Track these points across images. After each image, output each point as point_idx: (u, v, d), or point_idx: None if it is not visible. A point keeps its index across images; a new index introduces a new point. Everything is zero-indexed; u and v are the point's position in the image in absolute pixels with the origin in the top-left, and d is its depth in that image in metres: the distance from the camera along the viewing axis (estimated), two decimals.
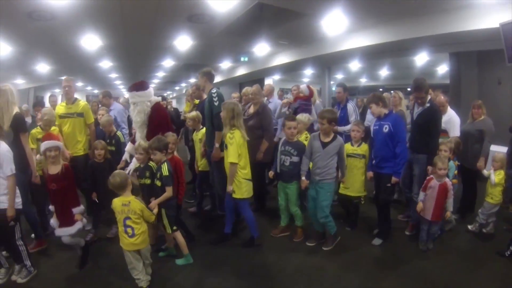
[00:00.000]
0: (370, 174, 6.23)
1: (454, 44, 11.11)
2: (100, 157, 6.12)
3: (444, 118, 6.90)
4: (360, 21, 10.79)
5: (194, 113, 7.45)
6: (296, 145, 6.08)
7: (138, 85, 6.38)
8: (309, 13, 9.88)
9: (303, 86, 8.66)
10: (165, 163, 5.07)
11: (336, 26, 10.86)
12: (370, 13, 9.98)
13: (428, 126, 6.11)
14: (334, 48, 13.44)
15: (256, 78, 21.76)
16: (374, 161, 6.10)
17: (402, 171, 5.92)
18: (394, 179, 5.78)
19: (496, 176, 6.33)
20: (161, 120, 6.38)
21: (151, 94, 6.50)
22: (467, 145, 7.07)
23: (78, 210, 5.07)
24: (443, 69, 20.67)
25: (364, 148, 6.44)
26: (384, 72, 24.23)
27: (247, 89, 7.92)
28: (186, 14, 9.99)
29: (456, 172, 6.42)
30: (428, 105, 6.17)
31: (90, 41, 12.68)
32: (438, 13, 9.36)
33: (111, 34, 12.08)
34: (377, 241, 6.15)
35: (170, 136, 5.79)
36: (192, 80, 27.57)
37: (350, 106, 8.12)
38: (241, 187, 5.63)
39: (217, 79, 26.92)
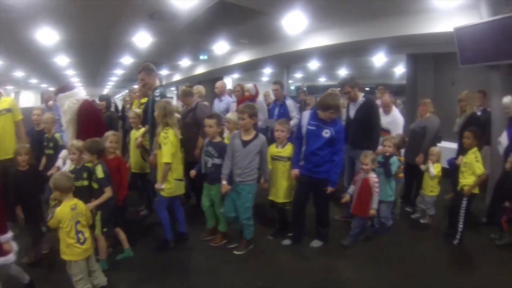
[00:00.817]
0: (296, 172, 5.61)
1: (411, 46, 11.33)
2: (24, 164, 5.10)
3: (388, 119, 7.07)
4: (319, 21, 10.84)
5: (138, 110, 7.18)
6: (217, 146, 5.60)
7: (64, 87, 6.05)
8: (269, 12, 9.86)
9: (249, 85, 8.56)
10: (99, 165, 4.81)
11: (295, 26, 10.81)
12: (330, 14, 10.05)
13: (368, 120, 6.14)
14: (293, 47, 13.55)
15: (216, 76, 21.63)
16: (302, 163, 5.58)
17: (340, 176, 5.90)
18: (330, 189, 5.38)
19: (435, 169, 6.53)
20: (89, 119, 5.97)
21: (78, 94, 6.10)
22: (413, 142, 7.19)
23: (5, 238, 3.80)
24: (400, 70, 21.09)
25: (288, 149, 5.83)
26: (343, 71, 24.47)
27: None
28: (148, 11, 9.83)
29: (402, 167, 6.49)
30: (363, 99, 6.26)
31: (46, 35, 12.17)
32: (396, 16, 9.52)
33: (68, 28, 11.66)
34: (316, 243, 5.84)
35: (111, 135, 5.46)
36: None
37: (290, 102, 8.14)
38: (171, 187, 5.39)
39: (176, 77, 26.79)
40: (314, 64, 19.86)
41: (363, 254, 5.58)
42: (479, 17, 8.01)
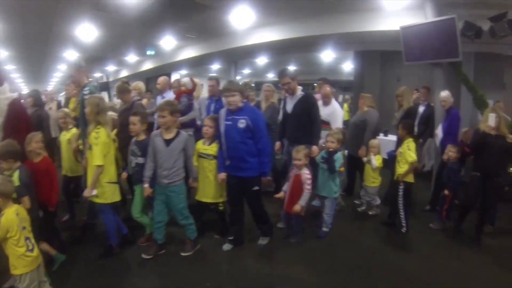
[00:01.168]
0: (222, 176, 5.21)
1: (359, 43, 11.49)
2: None
3: (327, 110, 6.94)
4: (267, 16, 10.77)
5: (67, 109, 6.72)
6: (141, 144, 5.18)
7: None
8: (216, 6, 9.72)
9: (185, 79, 8.16)
10: (17, 171, 4.25)
11: (243, 21, 10.66)
12: (278, 9, 10.00)
13: (307, 114, 5.98)
14: (241, 42, 13.42)
15: (164, 72, 21.10)
16: (228, 162, 5.15)
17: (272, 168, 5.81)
18: (265, 179, 5.16)
19: (376, 161, 6.66)
20: (15, 119, 5.48)
21: (6, 91, 5.61)
22: (354, 135, 7.26)
23: None
24: (348, 66, 21.32)
25: (215, 147, 5.40)
26: (291, 67, 24.52)
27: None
28: (92, 1, 9.42)
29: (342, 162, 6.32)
30: (301, 93, 6.13)
31: None
32: (345, 13, 9.61)
33: (7, 18, 11.04)
34: (263, 240, 5.59)
35: (34, 136, 4.80)
36: (98, 74, 26.40)
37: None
38: (105, 191, 4.87)
39: (123, 73, 26.14)
40: (262, 60, 19.78)
41: (311, 250, 5.49)
42: (424, 17, 8.29)
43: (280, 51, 14.58)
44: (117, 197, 5.04)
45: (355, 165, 7.40)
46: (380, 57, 13.17)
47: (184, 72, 24.50)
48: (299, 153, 5.38)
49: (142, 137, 5.24)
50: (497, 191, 5.93)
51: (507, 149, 5.58)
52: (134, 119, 5.16)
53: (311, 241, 5.76)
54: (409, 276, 4.78)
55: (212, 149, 5.43)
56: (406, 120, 6.59)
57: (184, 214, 5.11)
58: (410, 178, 6.00)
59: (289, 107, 6.15)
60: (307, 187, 5.33)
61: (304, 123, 5.97)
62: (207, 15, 10.57)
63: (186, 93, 7.73)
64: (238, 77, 19.57)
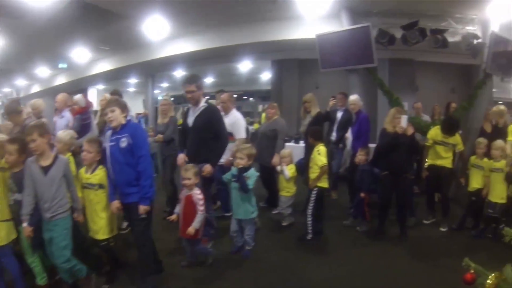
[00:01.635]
0: (115, 204, 4.34)
1: (276, 52, 11.58)
2: None
3: (229, 120, 6.43)
4: (182, 26, 10.56)
5: None
6: (17, 176, 4.20)
7: None
8: (129, 15, 9.40)
9: (77, 96, 7.31)
10: None
11: (157, 31, 10.35)
12: (193, 19, 9.82)
13: (209, 129, 5.26)
14: (156, 54, 13.13)
15: (79, 87, 19.95)
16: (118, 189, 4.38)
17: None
18: (142, 207, 4.13)
19: (289, 171, 6.46)
20: None
21: None
22: (263, 145, 7.09)
23: None
24: (267, 76, 21.43)
25: (99, 174, 4.49)
26: (209, 79, 24.34)
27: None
28: None
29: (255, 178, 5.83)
30: (205, 105, 5.37)
31: None
32: (262, 22, 9.61)
33: None
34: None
35: None
36: (7, 89, 24.86)
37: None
38: None
39: (35, 88, 24.62)
40: (179, 73, 19.40)
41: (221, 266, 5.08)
42: (340, 25, 8.50)
43: (197, 62, 14.39)
44: (13, 235, 4.19)
45: (269, 176, 7.18)
46: (298, 65, 13.31)
47: (101, 87, 23.59)
48: (188, 172, 4.77)
49: (18, 168, 4.21)
50: (409, 186, 6.35)
51: (412, 147, 5.95)
52: (11, 148, 4.12)
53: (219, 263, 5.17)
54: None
55: (96, 177, 4.51)
56: (312, 128, 6.60)
57: (66, 255, 4.10)
58: (324, 183, 5.96)
59: (190, 120, 5.43)
60: (200, 208, 4.70)
61: (205, 138, 5.32)
62: (121, 25, 10.19)
63: (80, 112, 6.97)
64: (156, 91, 19.05)
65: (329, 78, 11.64)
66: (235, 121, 6.64)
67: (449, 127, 6.60)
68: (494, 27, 8.78)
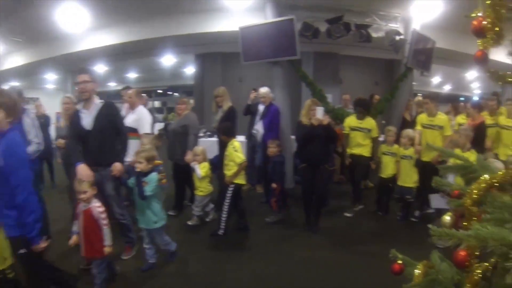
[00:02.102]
0: None
1: (200, 45, 11.37)
2: None
3: (133, 116, 6.17)
4: (102, 17, 9.99)
5: None
6: None
7: None
8: (43, 3, 8.74)
9: None
10: None
11: (75, 22, 9.76)
12: (113, 10, 9.35)
13: (113, 126, 4.78)
14: (74, 47, 12.30)
15: None
16: None
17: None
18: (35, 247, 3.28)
19: (202, 169, 6.24)
20: None
21: None
22: (175, 142, 6.85)
23: None
24: (191, 70, 21.06)
25: None
26: (132, 75, 23.64)
27: None
28: None
29: (163, 174, 5.57)
30: (100, 102, 4.82)
31: None
32: (184, 14, 9.34)
33: None
34: None
35: None
36: None
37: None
38: None
39: None
40: (101, 68, 18.54)
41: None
42: (265, 18, 8.38)
43: (119, 56, 13.82)
44: None
45: (183, 175, 6.86)
46: (221, 59, 13.15)
47: (16, 84, 21.93)
48: (83, 185, 4.00)
49: None
50: (327, 178, 6.54)
51: (329, 138, 6.02)
52: None
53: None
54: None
55: None
56: (223, 124, 6.40)
57: None
58: (241, 180, 5.87)
59: (87, 122, 4.71)
60: (103, 222, 4.03)
61: (109, 138, 4.79)
62: (35, 13, 9.45)
63: None
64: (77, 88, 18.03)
65: (252, 71, 11.67)
66: (140, 116, 6.23)
67: (359, 104, 7.14)
68: (416, 26, 9.39)
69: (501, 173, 1.81)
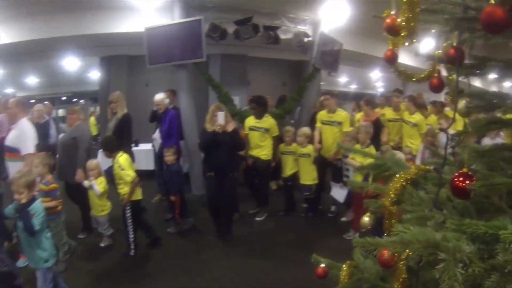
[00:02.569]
0: None
1: (105, 47, 10.83)
2: None
3: (15, 132, 5.34)
4: None
5: None
6: None
7: None
8: None
9: None
10: None
11: None
12: (6, 4, 8.48)
13: None
14: None
15: None
16: None
17: None
18: None
19: (99, 185, 5.66)
20: None
21: None
22: (65, 158, 6.11)
23: None
24: (96, 74, 20.17)
25: None
26: (32, 79, 22.11)
27: None
28: None
29: (59, 201, 4.88)
30: None
31: None
32: (86, 11, 8.75)
33: None
34: None
35: None
36: None
37: None
38: None
39: None
40: None
41: None
42: (172, 18, 8.19)
43: (14, 57, 12.74)
44: None
45: (75, 195, 6.18)
46: (128, 62, 12.58)
47: None
48: None
49: None
50: (234, 186, 6.22)
51: (235, 145, 5.84)
52: None
53: None
54: None
55: None
56: (104, 137, 5.92)
57: None
58: (138, 195, 5.42)
59: None
60: None
61: None
62: None
63: None
64: None
65: (159, 75, 11.38)
66: (20, 133, 5.30)
67: (253, 100, 7.19)
68: (324, 28, 9.73)
69: (413, 168, 1.88)
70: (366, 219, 1.87)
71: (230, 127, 5.67)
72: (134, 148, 8.22)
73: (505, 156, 1.66)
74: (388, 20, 1.54)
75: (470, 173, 1.39)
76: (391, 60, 1.80)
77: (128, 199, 5.27)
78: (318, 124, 7.05)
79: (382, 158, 2.16)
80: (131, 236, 5.37)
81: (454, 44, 1.62)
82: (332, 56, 10.26)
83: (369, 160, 5.42)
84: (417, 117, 7.44)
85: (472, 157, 1.58)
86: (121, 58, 12.39)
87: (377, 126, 7.02)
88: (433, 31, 1.70)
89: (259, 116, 6.96)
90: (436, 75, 1.92)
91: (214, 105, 6.11)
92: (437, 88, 1.82)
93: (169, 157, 6.27)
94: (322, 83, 11.44)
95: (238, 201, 6.92)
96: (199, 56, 7.92)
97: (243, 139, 6.43)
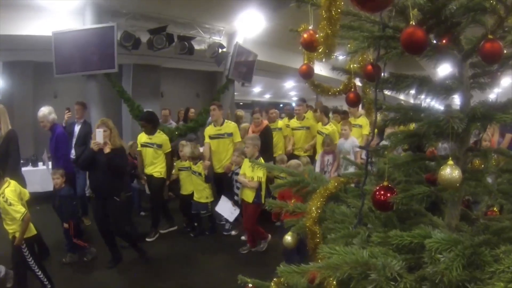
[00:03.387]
0: None
1: (7, 51, 9.95)
2: None
3: None
4: None
5: None
6: None
7: None
8: None
9: None
10: None
11: None
12: None
13: None
14: None
15: None
16: None
17: None
18: None
19: None
20: None
21: None
22: None
23: None
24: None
25: None
26: None
27: None
28: None
29: None
30: None
31: None
32: None
33: None
34: None
35: None
36: None
37: None
38: None
39: None
40: None
41: None
42: (83, 23, 7.84)
43: None
44: None
45: None
46: (34, 69, 11.71)
47: None
48: None
49: None
50: (119, 210, 5.46)
51: (110, 166, 5.16)
52: None
53: None
54: None
55: None
56: None
57: None
58: (31, 231, 4.64)
59: None
60: None
61: None
62: None
63: None
64: None
65: (69, 86, 10.74)
66: None
67: (142, 117, 6.66)
68: (239, 39, 9.88)
69: (333, 182, 1.88)
70: (288, 238, 1.85)
71: (108, 149, 5.10)
72: (28, 169, 7.74)
73: (421, 165, 1.72)
74: (305, 35, 1.55)
75: (390, 185, 1.43)
76: (306, 75, 1.85)
77: (21, 239, 4.49)
78: (207, 140, 6.84)
79: (300, 174, 2.13)
80: (39, 273, 4.66)
81: (371, 61, 1.67)
82: (246, 67, 10.39)
83: (259, 173, 5.61)
84: (329, 128, 7.54)
85: (391, 168, 1.62)
86: (26, 64, 11.47)
87: (267, 135, 7.14)
88: (349, 46, 1.72)
89: (150, 132, 6.51)
90: (352, 89, 1.98)
91: (100, 120, 5.54)
92: (354, 102, 1.87)
93: (57, 180, 5.56)
94: (236, 93, 11.47)
95: (129, 226, 6.35)
96: (111, 66, 7.68)
97: (122, 162, 5.59)
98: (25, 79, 11.68)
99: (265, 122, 7.56)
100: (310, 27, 1.59)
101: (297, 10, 1.61)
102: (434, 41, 1.49)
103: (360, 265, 1.16)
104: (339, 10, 1.33)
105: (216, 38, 9.55)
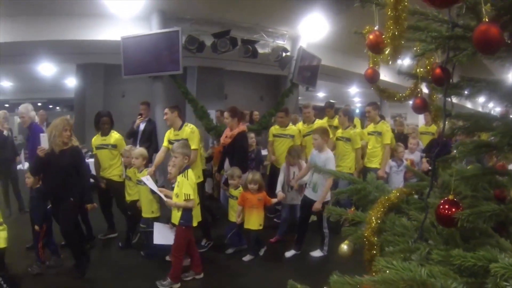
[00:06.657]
0: None
1: (81, 54, 10.57)
2: None
3: None
4: None
5: None
6: None
7: None
8: None
9: None
10: None
11: None
12: None
13: None
14: None
15: None
16: None
17: None
18: None
19: None
20: None
21: None
22: None
23: None
24: (72, 82, 19.81)
25: None
26: (6, 83, 21.61)
27: None
28: None
29: None
30: None
31: None
32: (61, 17, 8.46)
33: None
34: None
35: None
36: None
37: None
38: None
39: None
40: None
41: None
42: (150, 29, 8.12)
43: None
44: None
45: None
46: (104, 71, 12.39)
47: None
48: None
49: None
50: (71, 212, 5.13)
51: (69, 166, 4.98)
52: None
53: None
54: None
55: None
56: None
57: None
58: (2, 243, 4.56)
59: None
60: None
61: None
62: None
63: None
64: None
65: (136, 86, 11.19)
66: None
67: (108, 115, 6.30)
68: (303, 43, 9.79)
69: (395, 192, 1.77)
70: (345, 247, 1.76)
71: (42, 152, 4.80)
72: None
73: (491, 179, 1.58)
74: (371, 37, 1.45)
75: (456, 200, 1.31)
76: (372, 79, 1.75)
77: None
78: (165, 143, 6.12)
79: (361, 181, 2.03)
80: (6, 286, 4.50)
81: (440, 64, 1.55)
82: (310, 71, 10.30)
83: (187, 190, 4.62)
84: (351, 131, 6.97)
85: (457, 181, 1.49)
86: (97, 66, 12.21)
87: (241, 142, 6.39)
88: (416, 49, 1.60)
89: (104, 134, 6.20)
90: (419, 95, 1.86)
91: (60, 118, 5.15)
92: (420, 108, 1.73)
93: (28, 179, 5.22)
94: (300, 97, 11.43)
95: (86, 229, 6.08)
96: (176, 68, 7.85)
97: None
98: (96, 79, 12.42)
99: (242, 127, 6.49)
100: (375, 28, 1.49)
101: (361, 12, 1.53)
102: (509, 41, 1.35)
103: (417, 283, 1.09)
104: (405, 8, 1.24)
105: (280, 42, 9.50)
